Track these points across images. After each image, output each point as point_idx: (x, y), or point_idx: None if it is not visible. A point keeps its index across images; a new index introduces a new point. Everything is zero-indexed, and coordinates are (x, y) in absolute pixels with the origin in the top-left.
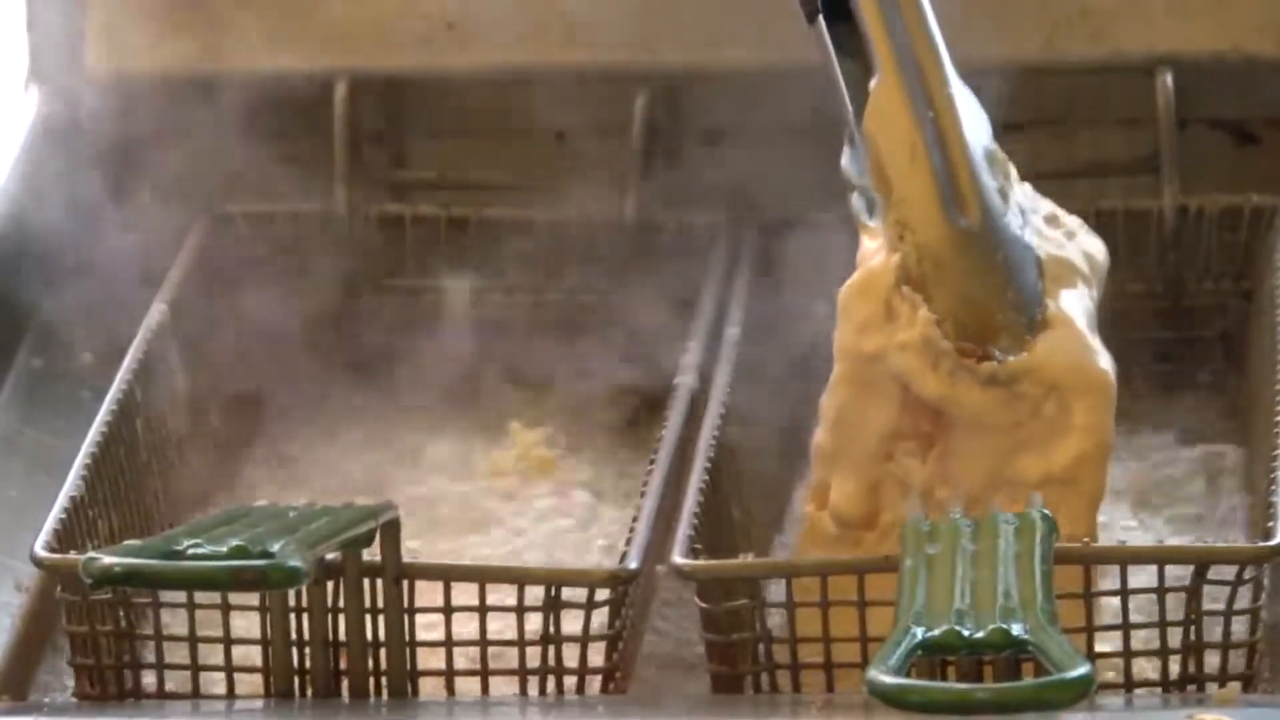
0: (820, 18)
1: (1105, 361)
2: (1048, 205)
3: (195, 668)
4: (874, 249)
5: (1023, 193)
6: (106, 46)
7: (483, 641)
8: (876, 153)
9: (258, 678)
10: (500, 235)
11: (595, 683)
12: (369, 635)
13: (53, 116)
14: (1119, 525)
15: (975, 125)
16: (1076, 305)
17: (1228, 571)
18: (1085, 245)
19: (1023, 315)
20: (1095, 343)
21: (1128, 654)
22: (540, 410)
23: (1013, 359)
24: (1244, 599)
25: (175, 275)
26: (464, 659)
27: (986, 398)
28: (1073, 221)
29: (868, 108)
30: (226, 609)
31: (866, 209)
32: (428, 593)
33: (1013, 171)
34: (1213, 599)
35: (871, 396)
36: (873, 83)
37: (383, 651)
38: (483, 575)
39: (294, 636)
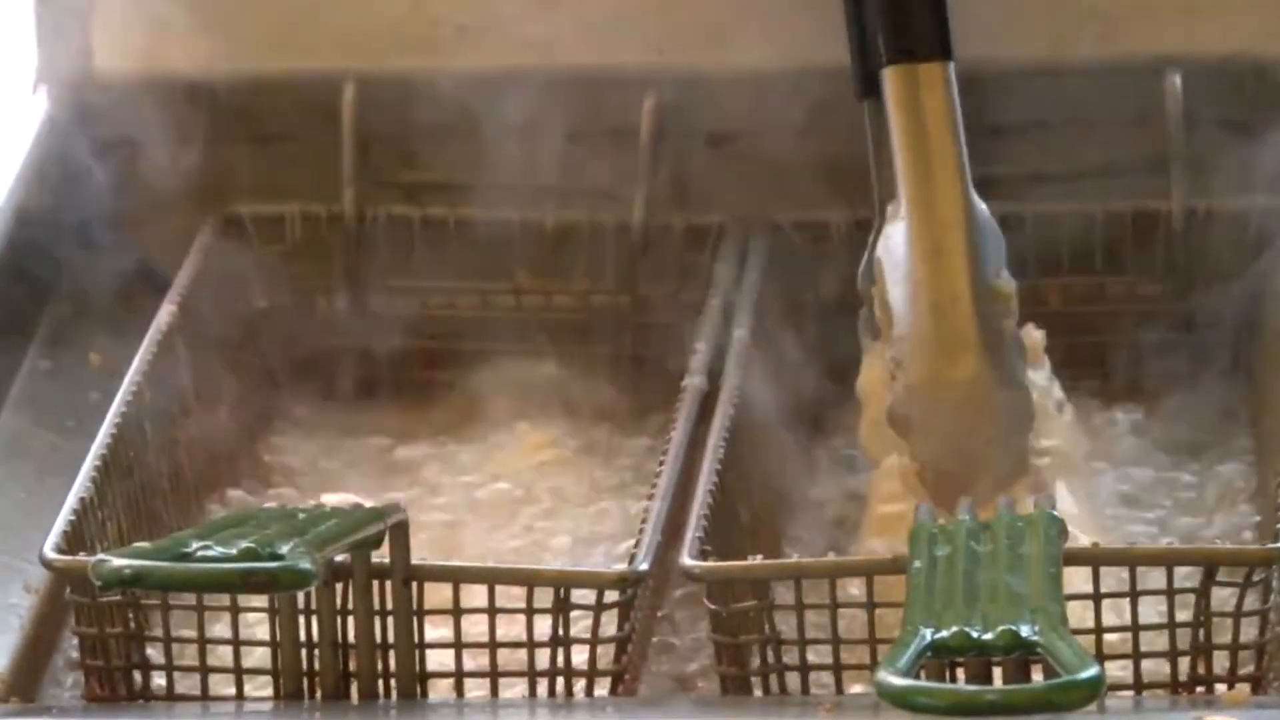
0: (869, 99)
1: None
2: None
3: (204, 669)
4: (872, 383)
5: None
6: (114, 48)
7: (492, 643)
8: (882, 285)
9: (267, 680)
10: (509, 237)
11: (604, 685)
12: (378, 637)
13: (61, 118)
14: (1128, 527)
15: (988, 256)
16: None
17: (1236, 573)
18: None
19: (1005, 461)
20: (1065, 500)
21: (1137, 655)
22: (548, 411)
23: (984, 515)
24: (1253, 601)
25: (184, 277)
26: (473, 661)
27: None
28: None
29: (881, 239)
30: (236, 611)
31: (871, 331)
32: (436, 594)
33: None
34: (1221, 601)
35: None
36: (890, 208)
37: (392, 653)
38: (492, 577)
39: (303, 638)
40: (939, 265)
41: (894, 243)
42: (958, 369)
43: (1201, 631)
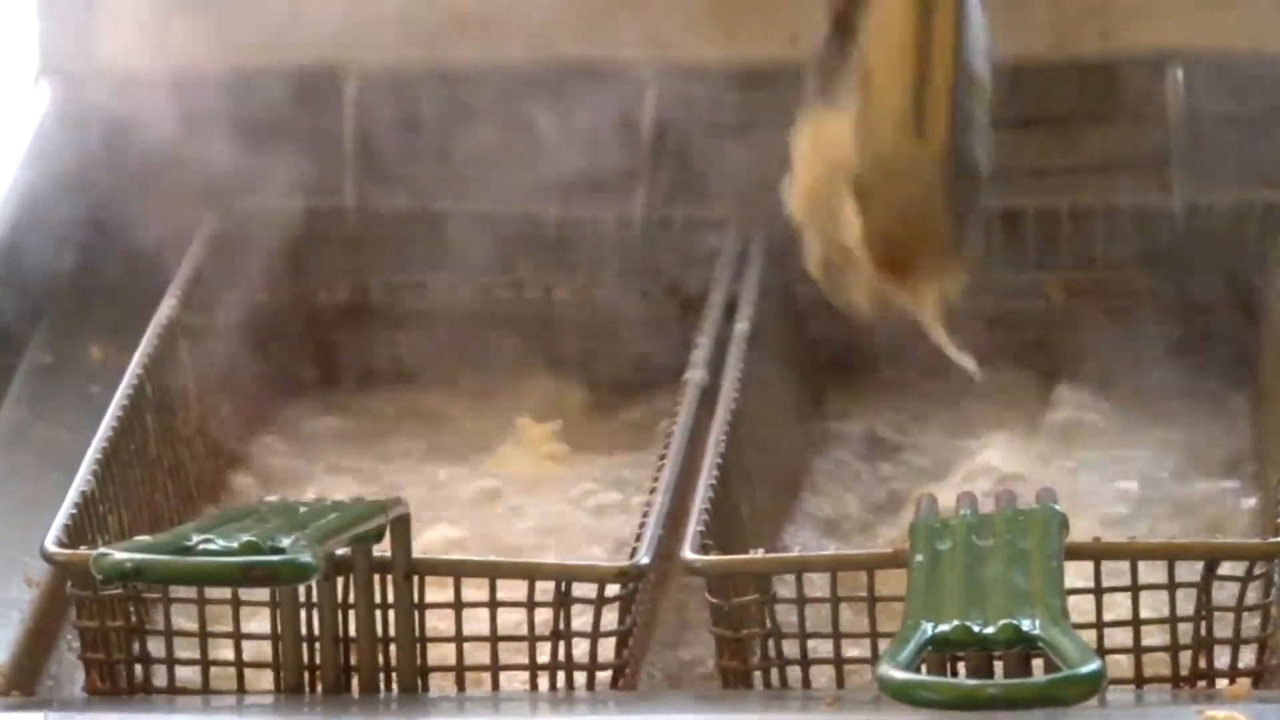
0: None
1: None
2: None
3: (205, 663)
4: (812, 148)
5: None
6: (118, 40)
7: (493, 637)
8: (867, 51)
9: (268, 673)
10: (510, 230)
11: (605, 678)
12: (379, 631)
13: (64, 110)
14: (1130, 522)
15: (972, 43)
16: None
17: (1238, 568)
18: None
19: (952, 240)
20: None
21: (1138, 650)
22: (549, 405)
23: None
24: (1254, 595)
25: (186, 270)
26: (474, 655)
27: None
28: None
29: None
30: (237, 604)
31: (820, 96)
32: (437, 588)
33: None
34: (1223, 595)
35: None
36: None
37: (393, 647)
38: (493, 570)
39: (304, 632)
40: (929, 40)
41: (886, 9)
42: (925, 142)
43: (1203, 626)
